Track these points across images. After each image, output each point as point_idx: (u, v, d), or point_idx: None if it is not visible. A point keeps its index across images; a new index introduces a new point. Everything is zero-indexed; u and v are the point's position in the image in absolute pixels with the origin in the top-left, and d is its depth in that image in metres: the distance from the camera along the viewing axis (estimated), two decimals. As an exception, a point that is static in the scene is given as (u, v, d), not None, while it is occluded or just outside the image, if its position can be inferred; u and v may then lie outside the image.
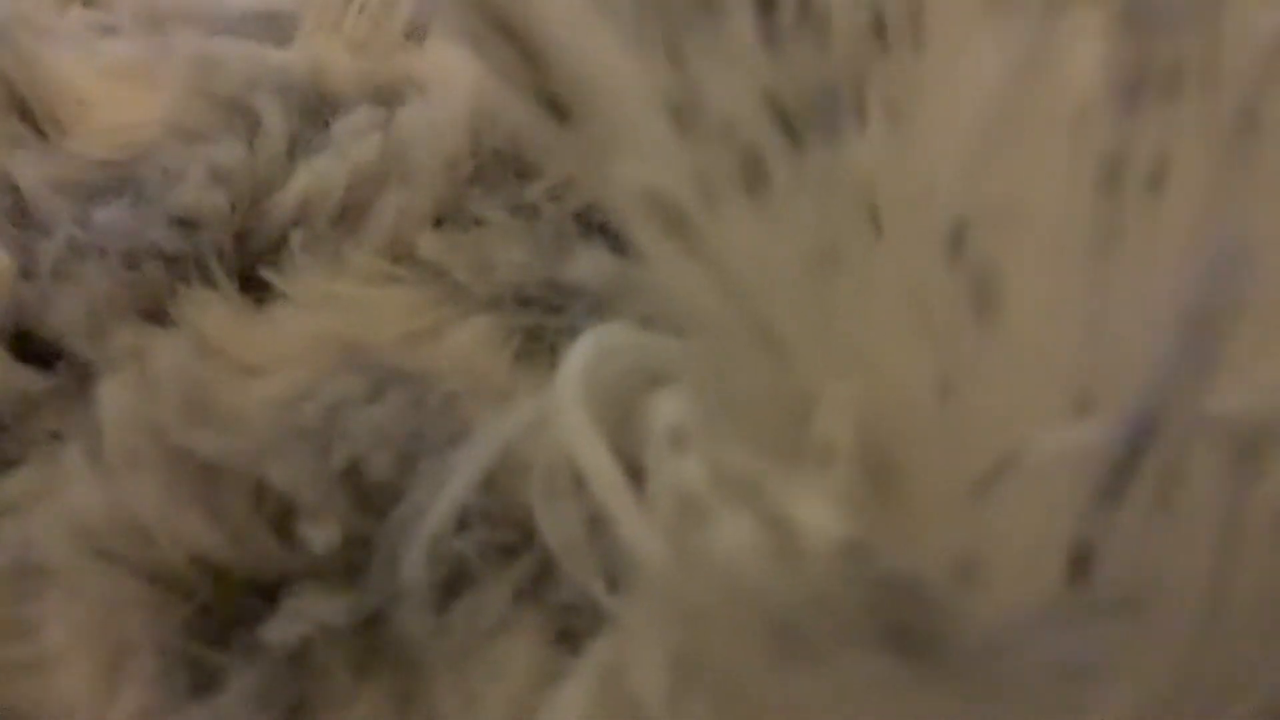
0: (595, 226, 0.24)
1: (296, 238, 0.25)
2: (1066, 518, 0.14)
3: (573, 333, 0.19)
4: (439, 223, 0.25)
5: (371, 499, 0.20)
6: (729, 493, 0.15)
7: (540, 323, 0.23)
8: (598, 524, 0.17)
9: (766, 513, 0.15)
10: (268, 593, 0.20)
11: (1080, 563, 0.14)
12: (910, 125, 0.16)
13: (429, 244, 0.25)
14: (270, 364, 0.22)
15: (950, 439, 0.16)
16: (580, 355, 0.18)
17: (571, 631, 0.19)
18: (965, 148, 0.16)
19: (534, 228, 0.24)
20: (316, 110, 0.27)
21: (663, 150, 0.17)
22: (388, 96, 0.27)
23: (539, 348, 0.23)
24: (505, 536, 0.19)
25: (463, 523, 0.19)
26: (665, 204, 0.16)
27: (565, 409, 0.17)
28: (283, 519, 0.20)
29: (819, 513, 0.15)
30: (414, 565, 0.19)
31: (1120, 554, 0.14)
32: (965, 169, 0.16)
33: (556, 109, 0.17)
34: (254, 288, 0.25)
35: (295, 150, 0.26)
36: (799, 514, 0.15)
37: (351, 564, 0.20)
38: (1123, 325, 0.15)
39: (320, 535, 0.20)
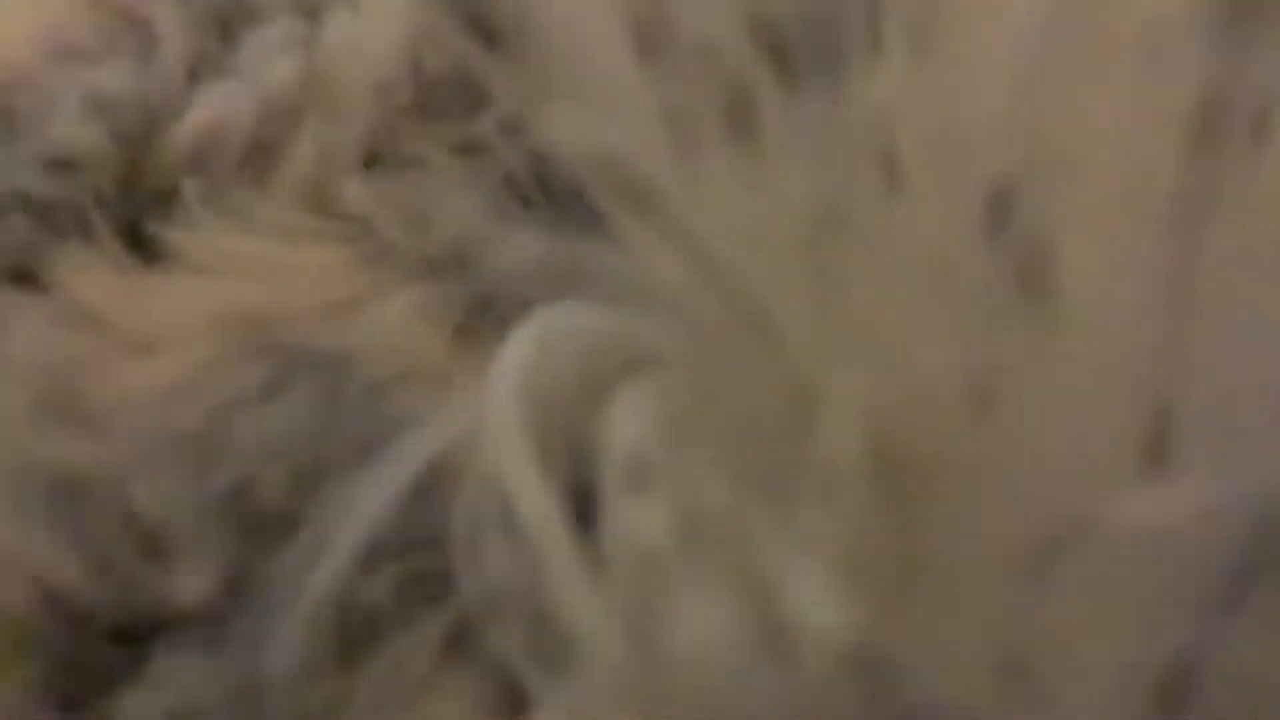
0: (556, 169, 0.21)
1: (193, 184, 0.22)
2: (1157, 618, 0.11)
3: (525, 305, 0.17)
4: (368, 165, 0.23)
5: (261, 528, 0.17)
6: (702, 552, 0.13)
7: (486, 291, 0.21)
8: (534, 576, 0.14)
9: (750, 588, 0.12)
10: (136, 642, 0.17)
11: (1174, 681, 0.11)
12: (939, 56, 0.14)
13: (355, 193, 0.22)
14: (157, 342, 0.20)
15: (989, 474, 0.14)
16: (519, 348, 0.16)
17: (509, 692, 0.16)
18: (1010, 85, 0.14)
19: (482, 171, 0.22)
20: (226, 23, 0.24)
21: (625, 87, 0.15)
22: (312, 5, 0.24)
23: (484, 323, 0.20)
24: (429, 567, 0.17)
25: (374, 557, 0.16)
26: (627, 171, 0.15)
27: (496, 426, 0.14)
28: (157, 549, 0.18)
29: (818, 594, 0.12)
30: (303, 620, 0.16)
31: (1230, 672, 0.11)
32: (1010, 112, 0.14)
33: (491, 36, 0.16)
34: (141, 246, 0.22)
35: (197, 73, 0.23)
36: (793, 596, 0.12)
37: (235, 610, 0.17)
38: (1218, 320, 0.13)
39: (191, 581, 0.17)
